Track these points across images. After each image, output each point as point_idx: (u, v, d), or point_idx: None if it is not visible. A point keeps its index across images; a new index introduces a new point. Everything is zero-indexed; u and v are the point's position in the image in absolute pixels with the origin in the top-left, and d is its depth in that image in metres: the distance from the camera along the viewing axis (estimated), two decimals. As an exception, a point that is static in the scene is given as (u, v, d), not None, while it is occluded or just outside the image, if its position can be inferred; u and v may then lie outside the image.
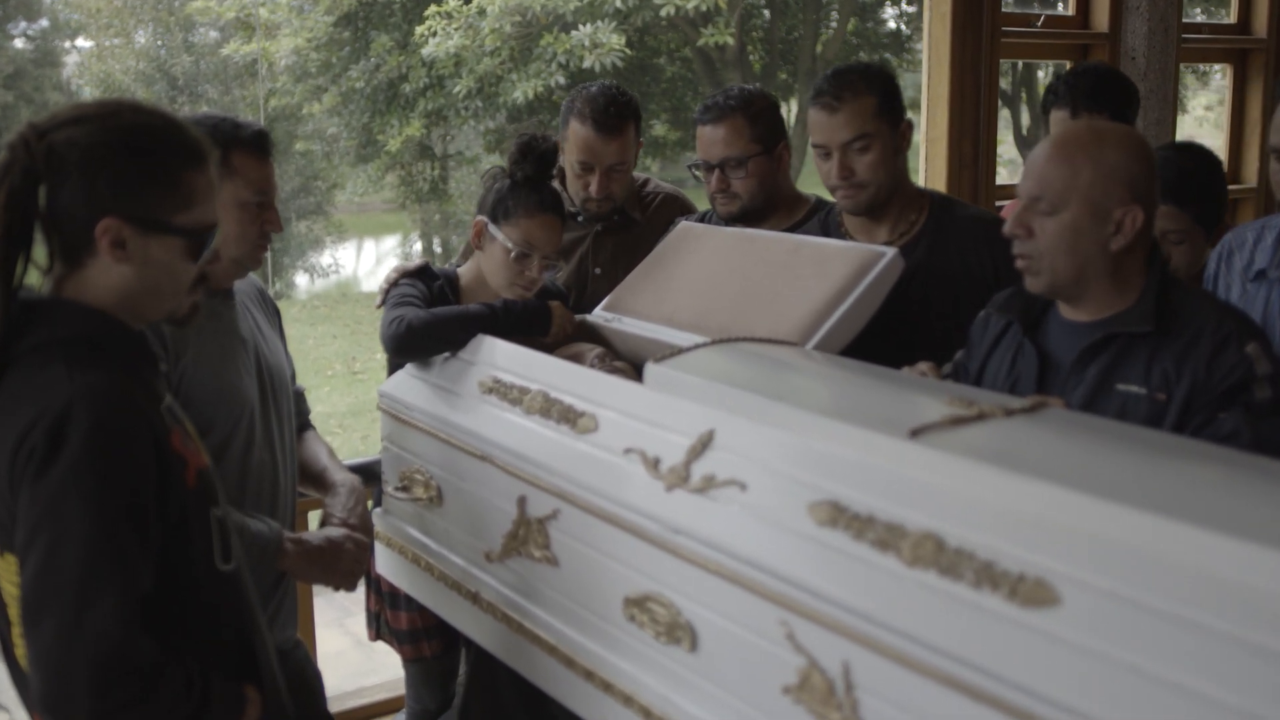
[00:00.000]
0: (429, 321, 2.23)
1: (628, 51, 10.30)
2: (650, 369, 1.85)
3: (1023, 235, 1.83)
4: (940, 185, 3.91)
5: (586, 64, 10.00)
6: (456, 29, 10.44)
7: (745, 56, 13.21)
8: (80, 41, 15.93)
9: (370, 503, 2.41)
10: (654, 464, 1.72)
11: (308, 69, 12.70)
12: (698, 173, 2.62)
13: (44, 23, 16.39)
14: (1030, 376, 1.88)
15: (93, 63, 14.81)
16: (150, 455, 1.41)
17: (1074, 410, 1.71)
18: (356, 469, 2.34)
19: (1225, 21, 4.76)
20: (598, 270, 2.80)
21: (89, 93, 14.56)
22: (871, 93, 2.28)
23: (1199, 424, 1.72)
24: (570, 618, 1.87)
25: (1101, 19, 4.21)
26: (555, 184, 2.41)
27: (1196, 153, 2.53)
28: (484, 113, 11.60)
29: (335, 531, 2.05)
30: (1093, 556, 1.23)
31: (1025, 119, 14.12)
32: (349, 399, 10.33)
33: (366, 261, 17.56)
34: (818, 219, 2.49)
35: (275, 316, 2.29)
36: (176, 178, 1.49)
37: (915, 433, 1.47)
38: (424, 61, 11.13)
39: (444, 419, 2.18)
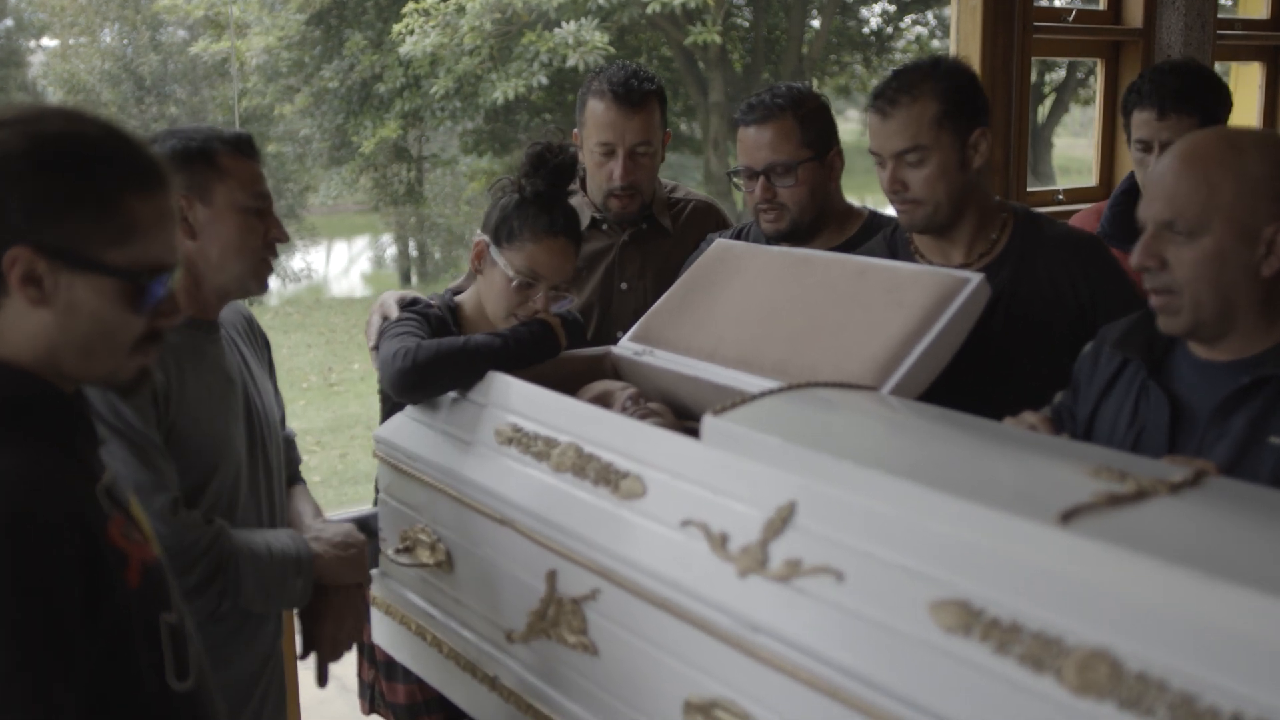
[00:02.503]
0: (438, 354, 1.92)
1: (612, 50, 9.98)
2: (709, 423, 1.55)
3: (1155, 267, 1.54)
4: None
5: (570, 63, 9.67)
6: (434, 27, 10.06)
7: (726, 56, 12.91)
8: (45, 40, 15.48)
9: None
10: (721, 541, 1.42)
11: (279, 68, 12.30)
12: (738, 180, 2.32)
13: (8, 22, 15.92)
14: (1160, 427, 1.59)
15: (57, 62, 14.35)
16: (77, 557, 1.11)
17: (1226, 474, 1.42)
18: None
19: (1260, 18, 4.52)
20: (624, 285, 2.50)
21: (53, 93, 14.11)
22: (934, 96, 1.99)
23: (1371, 486, 1.44)
24: (614, 718, 1.58)
25: (1135, 14, 3.96)
26: (576, 198, 2.12)
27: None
28: (462, 114, 11.25)
29: (339, 526, 1.89)
30: (1337, 695, 0.95)
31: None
32: (326, 414, 9.92)
33: (337, 264, 17.16)
34: (883, 236, 2.19)
35: (265, 349, 1.99)
36: (112, 202, 1.18)
37: (1067, 516, 1.18)
38: (400, 61, 10.77)
39: (454, 473, 1.87)
